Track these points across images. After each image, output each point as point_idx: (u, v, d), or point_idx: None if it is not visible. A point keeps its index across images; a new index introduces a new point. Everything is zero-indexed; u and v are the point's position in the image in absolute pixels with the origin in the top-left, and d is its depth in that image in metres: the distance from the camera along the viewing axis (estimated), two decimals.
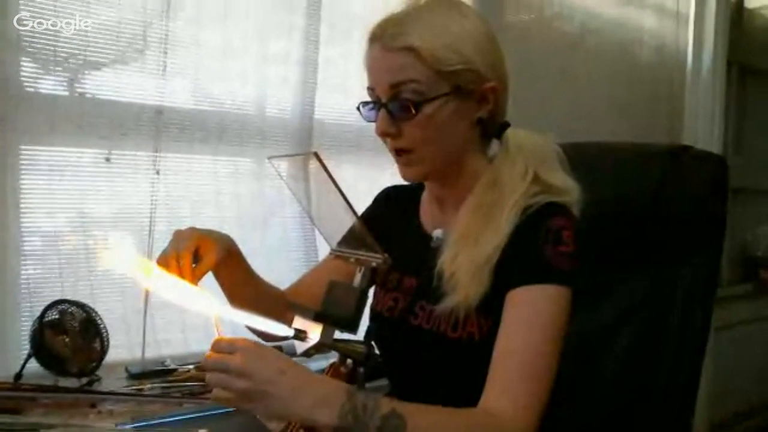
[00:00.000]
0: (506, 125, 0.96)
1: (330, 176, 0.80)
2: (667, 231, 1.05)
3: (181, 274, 0.87)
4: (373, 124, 0.92)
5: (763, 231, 3.30)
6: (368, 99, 0.92)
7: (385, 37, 0.87)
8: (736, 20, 2.96)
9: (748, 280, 3.24)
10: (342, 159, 1.72)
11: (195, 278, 0.90)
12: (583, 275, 0.85)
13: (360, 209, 1.15)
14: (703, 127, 2.73)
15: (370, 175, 1.72)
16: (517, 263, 0.84)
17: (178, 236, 0.91)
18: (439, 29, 0.87)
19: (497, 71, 0.92)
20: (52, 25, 1.28)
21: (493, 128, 0.95)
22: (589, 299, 1.05)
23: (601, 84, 2.39)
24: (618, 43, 2.47)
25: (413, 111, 0.86)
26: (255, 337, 0.89)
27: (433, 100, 0.87)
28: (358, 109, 0.94)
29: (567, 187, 0.90)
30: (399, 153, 0.91)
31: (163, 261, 0.88)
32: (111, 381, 1.23)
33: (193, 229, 0.93)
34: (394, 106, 0.87)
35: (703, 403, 2.61)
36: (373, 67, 0.90)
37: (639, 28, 2.55)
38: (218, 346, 0.75)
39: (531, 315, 0.81)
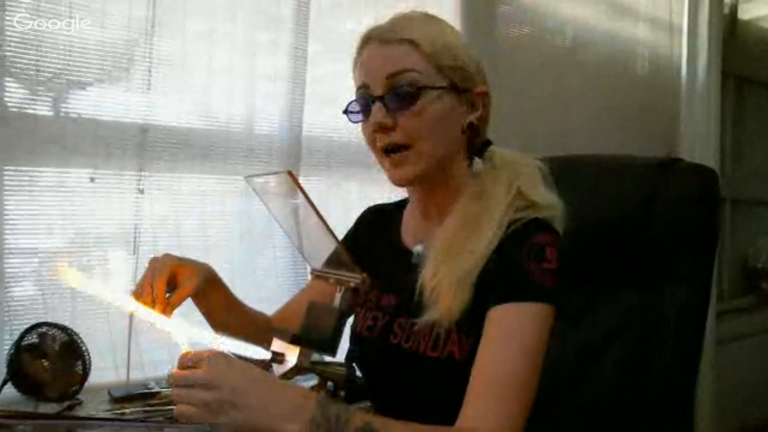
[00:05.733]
0: (488, 143, 0.96)
1: (305, 195, 0.79)
2: (656, 246, 1.03)
3: (155, 303, 0.86)
4: (363, 141, 0.92)
5: (764, 243, 3.27)
6: (355, 104, 0.92)
7: (381, 33, 0.89)
8: (731, 31, 2.96)
9: (750, 292, 3.20)
10: (332, 175, 1.70)
11: (170, 307, 0.89)
12: (566, 292, 0.83)
13: (348, 226, 1.14)
14: (699, 139, 2.71)
15: (361, 191, 1.71)
16: (499, 279, 0.83)
17: (153, 264, 0.90)
18: (432, 30, 0.89)
19: (483, 78, 0.93)
20: (36, 45, 1.28)
21: (477, 143, 0.94)
22: (576, 317, 1.03)
23: (595, 97, 2.38)
24: (611, 55, 2.46)
25: (411, 100, 0.86)
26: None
27: (430, 89, 0.87)
28: (344, 112, 0.93)
29: (550, 204, 0.89)
30: (392, 151, 0.89)
31: (138, 290, 0.88)
32: (93, 405, 1.20)
33: (168, 256, 0.92)
34: (391, 97, 0.87)
35: (706, 419, 2.57)
36: (368, 63, 0.90)
37: (632, 41, 2.55)
38: (184, 361, 0.73)
39: (511, 333, 0.80)
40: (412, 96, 0.86)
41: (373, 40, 0.89)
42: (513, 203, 0.87)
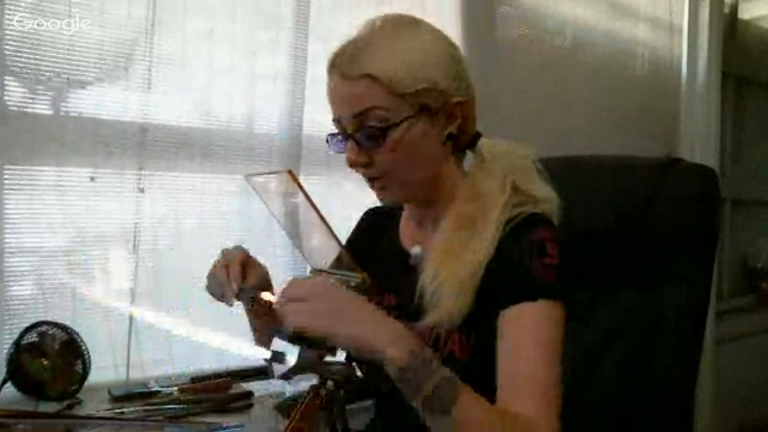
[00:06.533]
0: (478, 136, 0.94)
1: (305, 194, 0.79)
2: (656, 246, 1.03)
3: (230, 277, 0.88)
4: None
5: (764, 243, 3.27)
6: (335, 131, 0.90)
7: (342, 66, 0.85)
8: (731, 32, 2.96)
9: (749, 292, 3.21)
10: (332, 174, 1.70)
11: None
12: (570, 285, 0.83)
13: (349, 226, 1.14)
14: (699, 139, 2.71)
15: (361, 191, 1.70)
16: (504, 281, 0.82)
17: (226, 254, 0.92)
18: (396, 52, 0.84)
19: (461, 84, 0.89)
20: (35, 44, 1.28)
21: (465, 141, 0.93)
22: (584, 315, 1.03)
23: (595, 97, 2.38)
24: (611, 56, 2.46)
25: (380, 138, 0.84)
26: None
27: (398, 124, 0.84)
28: (327, 141, 0.92)
29: (546, 197, 0.89)
30: (373, 180, 0.89)
31: (211, 277, 0.90)
32: (93, 404, 1.20)
33: (240, 248, 0.93)
34: (361, 136, 0.86)
35: (706, 419, 2.56)
36: (334, 97, 0.88)
37: (632, 41, 2.55)
38: (294, 283, 0.76)
39: (528, 334, 0.79)
40: (381, 133, 0.84)
41: (335, 70, 0.86)
42: (510, 200, 0.87)
